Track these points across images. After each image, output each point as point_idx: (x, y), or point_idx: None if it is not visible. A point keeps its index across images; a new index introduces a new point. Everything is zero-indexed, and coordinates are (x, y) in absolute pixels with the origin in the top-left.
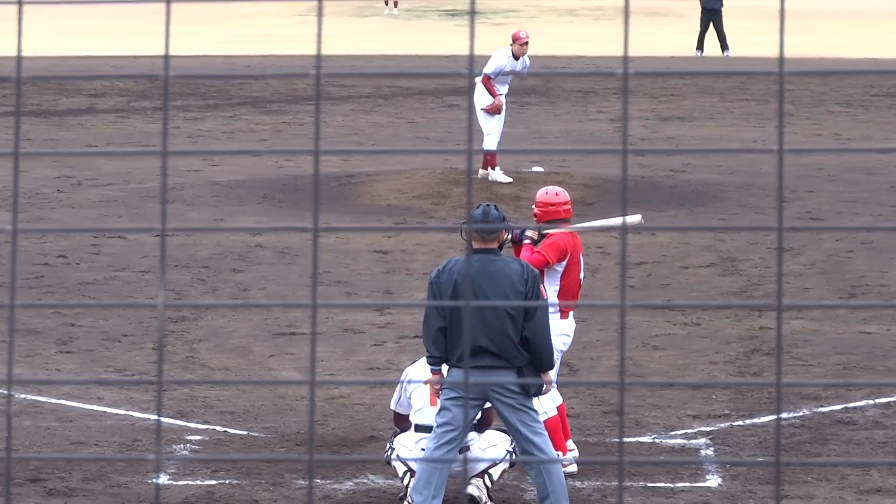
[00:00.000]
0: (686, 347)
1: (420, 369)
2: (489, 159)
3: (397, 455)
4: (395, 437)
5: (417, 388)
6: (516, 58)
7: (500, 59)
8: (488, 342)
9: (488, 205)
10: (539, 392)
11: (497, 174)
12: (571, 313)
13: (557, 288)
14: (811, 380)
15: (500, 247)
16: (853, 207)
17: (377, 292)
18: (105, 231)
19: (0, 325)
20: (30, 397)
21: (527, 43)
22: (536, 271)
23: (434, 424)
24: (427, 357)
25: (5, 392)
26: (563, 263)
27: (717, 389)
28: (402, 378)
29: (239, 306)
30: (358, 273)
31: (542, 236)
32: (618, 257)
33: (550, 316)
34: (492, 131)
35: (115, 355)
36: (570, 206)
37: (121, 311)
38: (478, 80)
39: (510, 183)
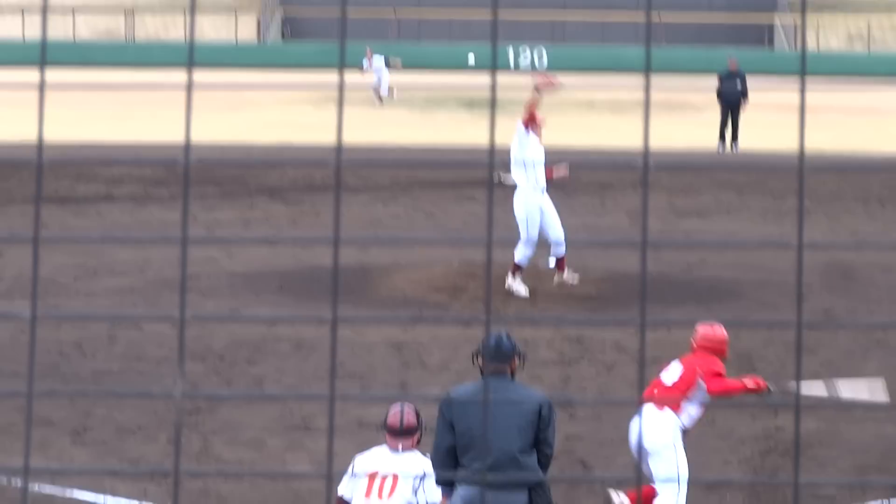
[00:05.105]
0: (700, 446)
1: (367, 459)
2: (515, 266)
3: None
4: None
5: (360, 478)
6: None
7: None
8: (499, 461)
9: (500, 334)
10: None
11: (517, 284)
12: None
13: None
14: (828, 479)
15: (513, 374)
16: (869, 306)
17: (392, 386)
18: (123, 318)
19: (14, 414)
20: (44, 489)
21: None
22: (552, 405)
23: None
24: (436, 478)
25: (21, 483)
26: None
27: (731, 490)
28: (352, 465)
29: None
30: (373, 366)
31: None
32: (634, 353)
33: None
34: (532, 236)
35: (130, 447)
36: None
37: (135, 402)
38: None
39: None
